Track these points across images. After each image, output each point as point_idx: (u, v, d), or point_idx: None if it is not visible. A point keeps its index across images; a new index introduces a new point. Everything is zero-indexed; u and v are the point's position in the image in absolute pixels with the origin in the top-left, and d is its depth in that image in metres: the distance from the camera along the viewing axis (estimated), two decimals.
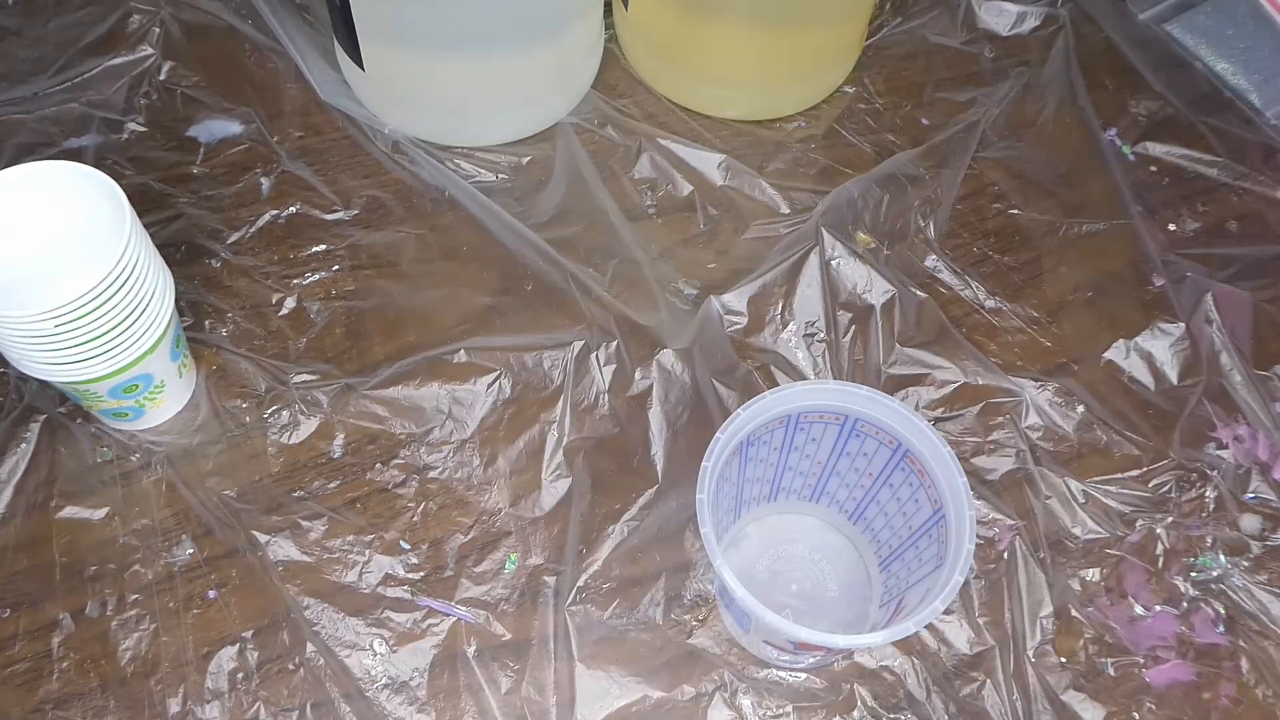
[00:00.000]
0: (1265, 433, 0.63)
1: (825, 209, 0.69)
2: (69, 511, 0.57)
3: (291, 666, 0.54)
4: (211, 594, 0.55)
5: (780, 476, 0.56)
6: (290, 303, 0.65)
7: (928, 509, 0.49)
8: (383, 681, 0.54)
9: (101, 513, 0.57)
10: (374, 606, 0.56)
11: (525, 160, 0.71)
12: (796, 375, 0.64)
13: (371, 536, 0.57)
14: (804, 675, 0.55)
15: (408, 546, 0.57)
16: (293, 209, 0.68)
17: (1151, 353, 0.66)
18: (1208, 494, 0.61)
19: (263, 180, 0.69)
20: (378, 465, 0.60)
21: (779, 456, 0.54)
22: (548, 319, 0.65)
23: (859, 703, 0.55)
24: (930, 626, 0.57)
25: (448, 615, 0.56)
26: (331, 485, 0.59)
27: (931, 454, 0.48)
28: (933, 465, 0.48)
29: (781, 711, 0.54)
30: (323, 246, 0.67)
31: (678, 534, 0.59)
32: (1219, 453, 0.63)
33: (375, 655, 0.54)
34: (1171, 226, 0.72)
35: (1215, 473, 0.62)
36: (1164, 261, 0.69)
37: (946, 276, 0.68)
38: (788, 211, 0.70)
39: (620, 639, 0.56)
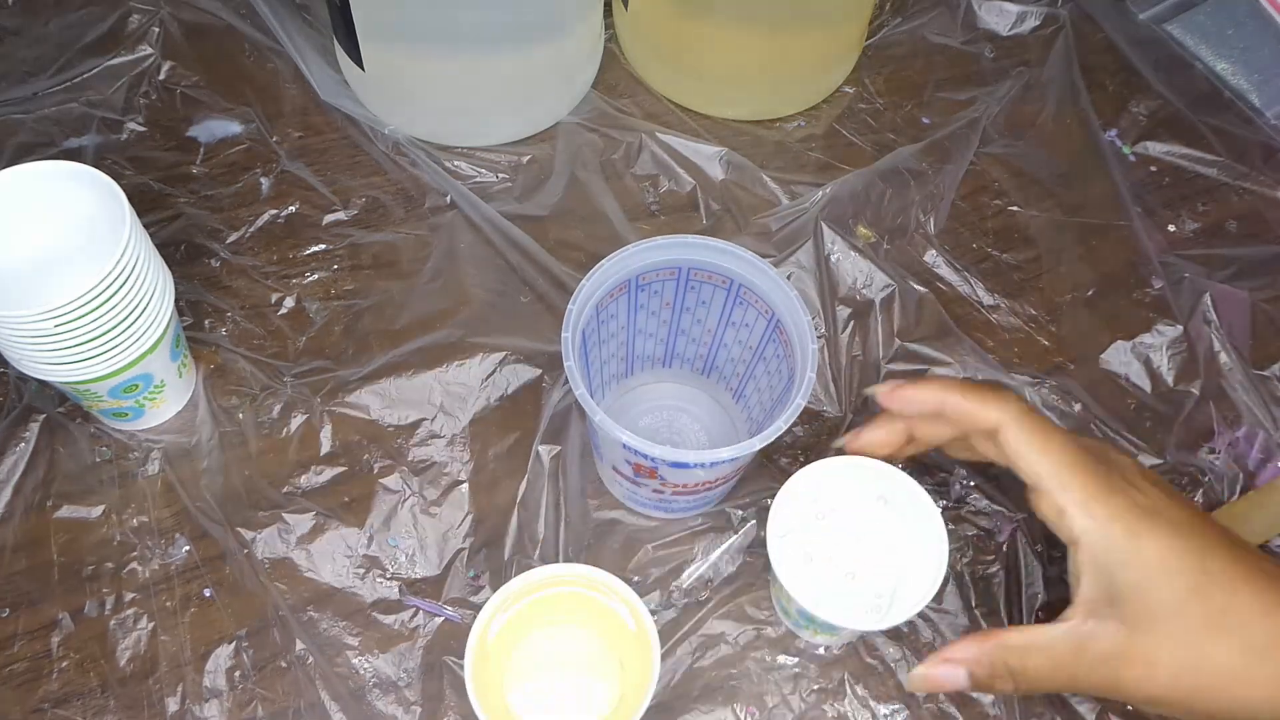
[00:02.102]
0: (1264, 433, 0.63)
1: (826, 202, 0.69)
2: (67, 511, 0.57)
3: (284, 665, 0.54)
4: (208, 593, 0.56)
5: (674, 339, 0.59)
6: (290, 302, 0.65)
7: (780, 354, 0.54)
8: (371, 681, 0.54)
9: (100, 512, 0.57)
10: (363, 606, 0.56)
11: (525, 160, 0.72)
12: None
13: (363, 536, 0.58)
14: (794, 662, 0.55)
15: (396, 544, 0.57)
16: (292, 209, 0.68)
17: (1149, 356, 0.66)
18: (1197, 499, 0.61)
19: (262, 180, 0.69)
20: (372, 464, 0.60)
21: (672, 315, 0.57)
22: (545, 318, 0.65)
23: (850, 694, 0.55)
24: (926, 618, 0.57)
25: (436, 615, 0.56)
26: (326, 484, 0.59)
27: (771, 288, 0.52)
28: (773, 298, 0.52)
29: (774, 701, 0.54)
30: (322, 246, 0.67)
31: (675, 531, 0.59)
32: (1211, 458, 0.63)
33: (365, 656, 0.55)
34: (1171, 227, 0.72)
35: (1207, 478, 0.62)
36: (1163, 262, 0.69)
37: (946, 273, 0.68)
38: (789, 206, 0.70)
39: None
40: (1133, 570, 0.44)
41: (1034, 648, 0.45)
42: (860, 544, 0.52)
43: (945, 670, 0.47)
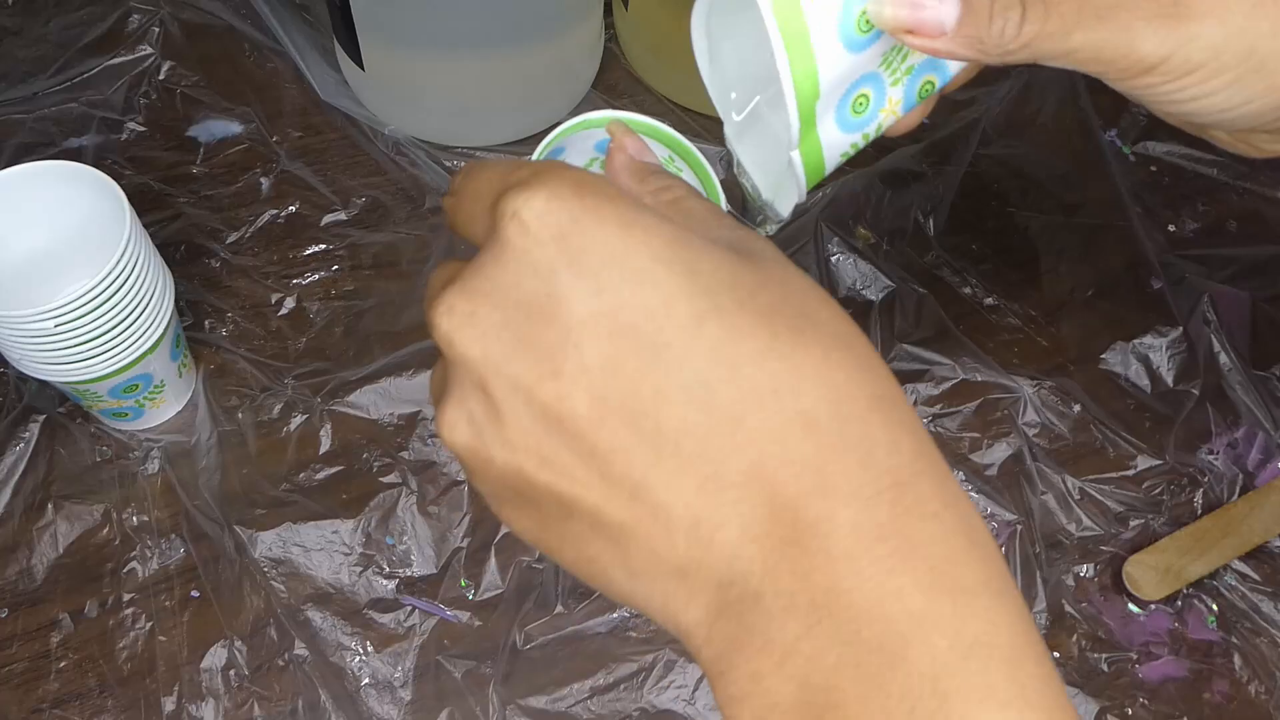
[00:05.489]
0: (1264, 433, 0.63)
1: (826, 203, 0.69)
2: (67, 511, 0.57)
3: (281, 663, 0.54)
4: (207, 593, 0.56)
5: None
6: (290, 303, 0.65)
7: None
8: (367, 681, 0.54)
9: (99, 512, 0.57)
10: (361, 606, 0.56)
11: (525, 160, 0.71)
12: None
13: (361, 535, 0.58)
14: None
15: (393, 543, 0.57)
16: (292, 209, 0.68)
17: (1149, 356, 0.66)
18: (1197, 499, 0.62)
19: (262, 180, 0.69)
20: (371, 463, 0.60)
21: None
22: None
23: None
24: None
25: (433, 615, 0.56)
26: (325, 483, 0.59)
27: None
28: None
29: None
30: (322, 246, 0.67)
31: None
32: (1210, 458, 0.63)
33: (361, 655, 0.55)
34: (1171, 227, 0.72)
35: (1207, 478, 0.62)
36: (1163, 262, 0.69)
37: (946, 274, 0.68)
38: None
39: (610, 635, 0.56)
40: None
41: None
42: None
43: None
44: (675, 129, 0.43)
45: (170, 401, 0.60)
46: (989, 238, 0.71)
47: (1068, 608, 0.58)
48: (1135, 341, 0.66)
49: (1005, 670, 0.25)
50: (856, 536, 0.26)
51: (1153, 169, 0.75)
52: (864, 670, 0.25)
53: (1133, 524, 0.60)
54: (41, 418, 0.60)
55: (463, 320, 0.28)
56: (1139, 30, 0.35)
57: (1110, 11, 0.35)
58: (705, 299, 0.27)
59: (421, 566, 0.57)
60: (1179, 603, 0.58)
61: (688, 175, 0.42)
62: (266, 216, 0.68)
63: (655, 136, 0.41)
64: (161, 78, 0.73)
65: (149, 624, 0.55)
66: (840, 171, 0.72)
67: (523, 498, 0.29)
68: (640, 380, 0.26)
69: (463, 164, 0.71)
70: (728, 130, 0.44)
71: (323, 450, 0.60)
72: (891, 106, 0.40)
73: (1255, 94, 0.36)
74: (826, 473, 0.26)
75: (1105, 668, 0.56)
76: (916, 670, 0.24)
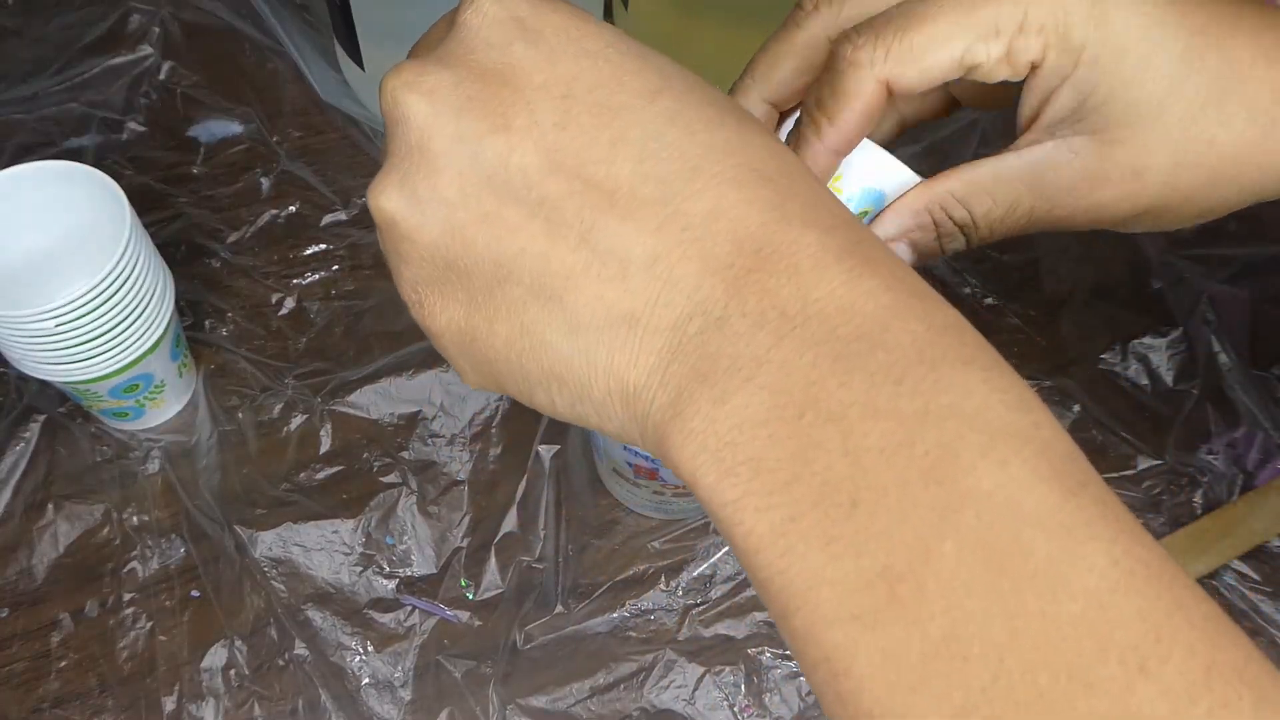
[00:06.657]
0: (1263, 433, 0.63)
1: None
2: (67, 511, 0.57)
3: (281, 663, 0.54)
4: (207, 592, 0.56)
5: None
6: (290, 303, 0.65)
7: None
8: (367, 680, 0.54)
9: (100, 512, 0.57)
10: (361, 606, 0.56)
11: None
12: None
13: (361, 535, 0.58)
14: (795, 661, 0.55)
15: (393, 543, 0.58)
16: (292, 209, 0.68)
17: (1148, 356, 0.66)
18: (1196, 499, 0.62)
19: (263, 180, 0.69)
20: (371, 463, 0.60)
21: None
22: None
23: None
24: None
25: (433, 615, 0.56)
26: (325, 484, 0.59)
27: None
28: None
29: (773, 700, 0.54)
30: (322, 246, 0.67)
31: (675, 530, 0.59)
32: (1210, 458, 0.63)
33: (361, 655, 0.55)
34: None
35: (1206, 478, 0.62)
36: (1163, 262, 0.69)
37: (945, 274, 0.68)
38: None
39: (610, 635, 0.56)
40: (1103, 57, 0.33)
41: (980, 189, 0.36)
42: None
43: None
44: None
45: (170, 401, 0.60)
46: None
47: None
48: (1135, 341, 0.66)
49: (978, 343, 0.25)
50: (823, 253, 0.26)
51: None
52: (843, 359, 0.24)
53: None
54: (42, 418, 0.60)
55: (412, 78, 0.28)
56: (1078, 222, 0.36)
57: (1047, 215, 0.36)
58: (658, 77, 0.28)
59: (421, 566, 0.57)
60: None
61: None
62: (266, 216, 0.68)
63: None
64: (162, 78, 0.73)
65: (149, 624, 0.55)
66: None
67: (453, 270, 0.28)
68: (595, 134, 0.27)
69: None
70: None
71: (323, 450, 0.60)
72: None
73: (1206, 208, 0.38)
74: (786, 209, 0.26)
75: None
76: (898, 346, 0.24)
